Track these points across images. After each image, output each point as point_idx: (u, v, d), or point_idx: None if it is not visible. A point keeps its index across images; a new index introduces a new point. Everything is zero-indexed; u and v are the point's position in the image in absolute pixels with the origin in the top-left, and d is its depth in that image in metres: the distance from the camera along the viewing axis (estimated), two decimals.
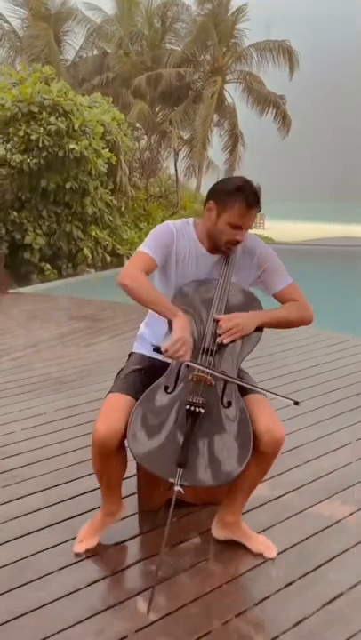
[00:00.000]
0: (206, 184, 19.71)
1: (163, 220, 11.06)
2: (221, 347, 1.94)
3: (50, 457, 2.86)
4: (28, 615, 1.82)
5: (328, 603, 1.88)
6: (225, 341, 1.92)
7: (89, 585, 1.98)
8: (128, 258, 11.58)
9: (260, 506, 2.42)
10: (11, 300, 7.35)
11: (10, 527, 2.28)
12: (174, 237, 2.05)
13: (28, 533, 2.24)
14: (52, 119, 8.85)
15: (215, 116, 18.76)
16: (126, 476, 2.15)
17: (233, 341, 1.93)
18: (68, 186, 9.32)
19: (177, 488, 1.81)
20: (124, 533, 2.24)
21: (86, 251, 10.23)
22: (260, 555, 2.09)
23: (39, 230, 9.67)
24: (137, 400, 1.93)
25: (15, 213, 9.43)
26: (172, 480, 1.81)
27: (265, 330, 2.05)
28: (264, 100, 18.19)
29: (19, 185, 9.27)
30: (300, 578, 2.00)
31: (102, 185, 10.45)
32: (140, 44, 19.48)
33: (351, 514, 2.38)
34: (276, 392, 1.93)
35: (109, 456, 1.97)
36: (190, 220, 2.13)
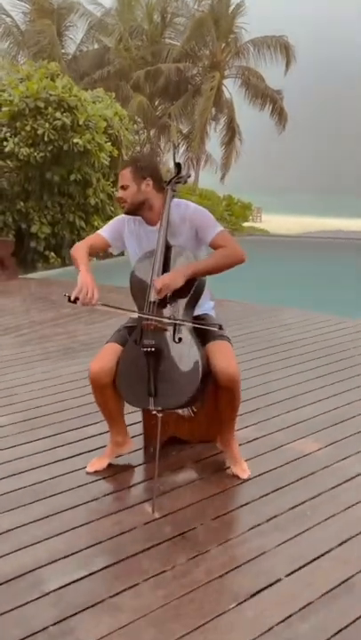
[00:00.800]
0: (204, 177, 20.15)
1: None
2: (164, 300, 2.41)
3: (68, 408, 3.38)
4: (69, 511, 2.35)
5: (295, 506, 2.39)
6: (153, 299, 2.38)
7: (105, 495, 2.49)
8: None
9: (246, 443, 2.93)
10: (21, 285, 7.83)
11: (35, 459, 2.80)
12: (125, 222, 2.60)
13: (56, 461, 2.76)
14: (58, 114, 9.29)
15: (213, 111, 19.16)
16: (134, 421, 2.66)
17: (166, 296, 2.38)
18: (71, 178, 9.77)
19: (154, 413, 2.37)
20: (132, 461, 2.75)
21: None
22: (236, 476, 2.61)
23: (44, 220, 10.13)
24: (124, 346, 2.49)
25: (22, 203, 9.89)
26: (149, 407, 2.38)
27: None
28: (262, 95, 18.61)
29: (25, 177, 9.72)
30: (273, 491, 2.51)
31: (104, 177, 10.89)
32: (140, 39, 19.83)
33: (319, 449, 2.89)
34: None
35: (103, 389, 2.51)
36: None
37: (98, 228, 11.39)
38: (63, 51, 19.15)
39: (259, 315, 5.61)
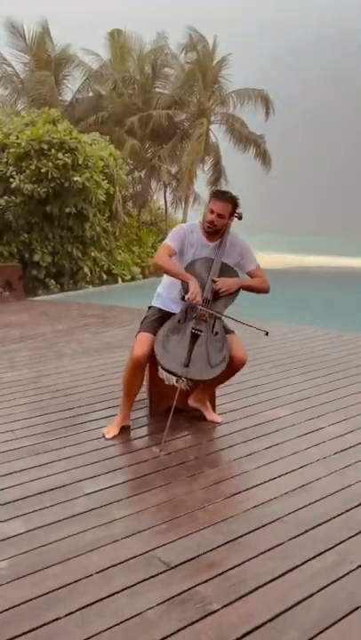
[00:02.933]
0: (192, 215, 21.30)
1: (153, 245, 12.80)
2: (214, 298, 3.24)
3: (84, 391, 4.12)
4: (93, 452, 3.07)
5: (268, 447, 3.14)
6: (218, 289, 3.21)
7: (122, 442, 3.22)
8: (122, 277, 12.92)
9: (230, 412, 3.68)
10: (28, 305, 8.59)
11: (59, 423, 3.53)
12: (186, 233, 3.38)
13: (84, 422, 3.50)
14: (60, 155, 10.26)
15: (201, 154, 20.41)
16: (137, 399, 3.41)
17: (223, 295, 3.24)
18: (70, 211, 10.67)
19: (183, 380, 3.11)
20: (140, 423, 3.49)
21: (86, 269, 11.54)
22: (212, 421, 3.44)
23: (45, 250, 10.97)
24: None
25: (25, 235, 10.74)
26: (179, 373, 3.10)
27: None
28: (245, 140, 19.93)
29: (29, 211, 10.60)
30: (250, 440, 3.25)
31: (100, 212, 11.83)
32: (132, 88, 21.18)
33: (288, 414, 3.65)
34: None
35: (138, 370, 3.27)
36: (197, 221, 3.45)
37: (95, 259, 12.32)
38: (60, 98, 20.42)
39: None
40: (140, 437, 3.34)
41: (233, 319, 3.28)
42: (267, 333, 3.38)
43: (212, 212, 3.26)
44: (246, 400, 3.90)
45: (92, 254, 11.74)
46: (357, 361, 4.93)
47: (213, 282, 3.26)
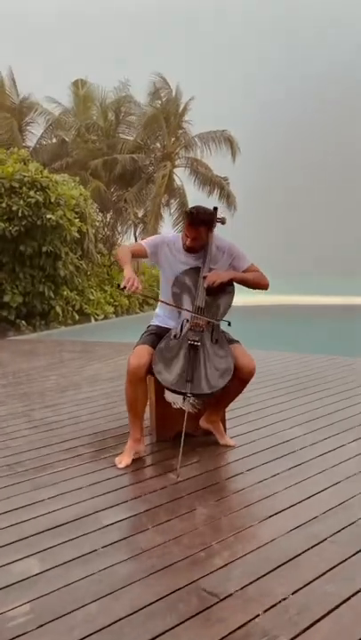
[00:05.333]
0: None
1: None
2: (207, 306, 3.06)
3: (80, 422, 3.84)
4: (103, 482, 2.79)
5: (290, 468, 2.93)
6: (209, 281, 3.02)
7: (133, 471, 2.95)
8: (94, 316, 12.66)
9: (243, 434, 3.46)
10: (4, 344, 8.22)
11: (65, 454, 3.24)
12: (164, 242, 3.24)
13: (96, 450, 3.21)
14: (32, 193, 10.13)
15: (166, 196, 20.67)
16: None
17: (217, 291, 3.05)
18: (43, 249, 10.46)
19: (189, 395, 2.87)
20: (147, 451, 3.23)
21: (58, 309, 11.26)
22: (226, 445, 3.22)
23: (16, 290, 10.67)
24: (154, 349, 3.02)
25: None
26: (184, 390, 2.87)
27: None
28: (210, 182, 20.34)
29: (0, 249, 10.35)
30: (272, 460, 3.04)
31: (72, 251, 11.67)
32: (95, 134, 21.48)
33: (305, 433, 3.45)
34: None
35: (138, 383, 3.01)
36: (180, 234, 3.29)
37: (67, 298, 12.08)
38: (24, 144, 20.51)
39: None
40: (151, 465, 3.08)
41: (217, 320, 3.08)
42: (229, 323, 3.11)
43: (187, 236, 3.13)
44: (257, 422, 3.69)
45: (65, 293, 11.49)
46: (356, 382, 4.81)
47: (204, 278, 3.08)
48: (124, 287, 2.89)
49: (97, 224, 14.20)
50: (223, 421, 3.42)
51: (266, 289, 3.24)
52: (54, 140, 21.69)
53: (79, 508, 2.50)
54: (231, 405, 3.37)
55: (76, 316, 12.00)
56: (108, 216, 20.49)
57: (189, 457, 3.09)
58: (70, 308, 11.85)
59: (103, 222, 18.69)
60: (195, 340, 2.96)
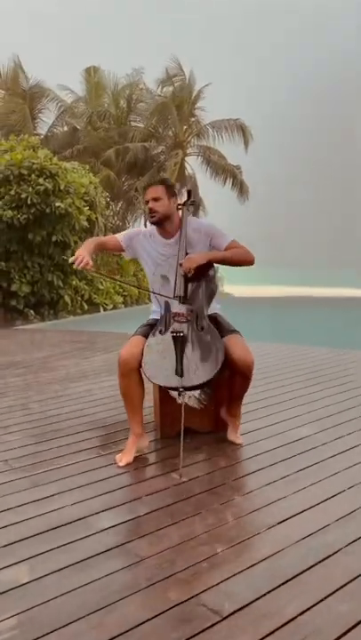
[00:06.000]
0: None
1: (135, 273, 12.49)
2: (189, 294, 2.89)
3: (84, 415, 3.68)
4: (102, 481, 2.63)
5: (302, 469, 2.75)
6: (185, 269, 2.85)
7: (137, 468, 2.79)
8: (103, 306, 12.52)
9: (253, 431, 3.29)
10: (10, 334, 8.10)
11: (62, 450, 3.09)
12: (139, 233, 3.13)
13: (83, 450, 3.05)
14: (41, 180, 9.97)
15: (178, 185, 20.45)
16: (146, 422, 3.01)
17: (198, 276, 2.88)
18: (53, 239, 10.31)
19: (181, 390, 2.71)
20: (151, 448, 3.07)
21: (67, 298, 11.12)
22: (232, 442, 3.06)
23: (24, 279, 10.54)
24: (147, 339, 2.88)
25: (3, 263, 10.31)
26: (176, 385, 2.71)
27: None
28: (222, 171, 20.05)
29: (8, 238, 10.21)
30: (281, 460, 2.86)
31: (81, 240, 11.50)
32: (107, 122, 21.25)
33: (315, 432, 3.27)
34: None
35: (130, 372, 2.86)
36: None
37: (76, 288, 11.86)
38: (35, 132, 20.34)
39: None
40: (154, 463, 2.92)
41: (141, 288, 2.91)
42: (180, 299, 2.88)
43: (146, 202, 2.99)
44: (265, 420, 3.52)
45: (73, 283, 11.35)
46: None
47: (180, 266, 2.90)
48: (72, 263, 2.80)
49: (107, 212, 13.98)
50: (238, 416, 3.25)
51: (251, 264, 3.02)
52: (65, 128, 21.50)
53: (75, 510, 2.35)
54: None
55: (85, 306, 11.86)
56: (119, 205, 20.32)
57: (194, 455, 2.93)
58: (79, 298, 11.71)
59: (113, 211, 18.49)
60: (178, 332, 2.80)
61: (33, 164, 10.10)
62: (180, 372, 2.73)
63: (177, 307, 2.88)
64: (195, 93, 20.12)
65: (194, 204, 3.16)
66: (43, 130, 20.99)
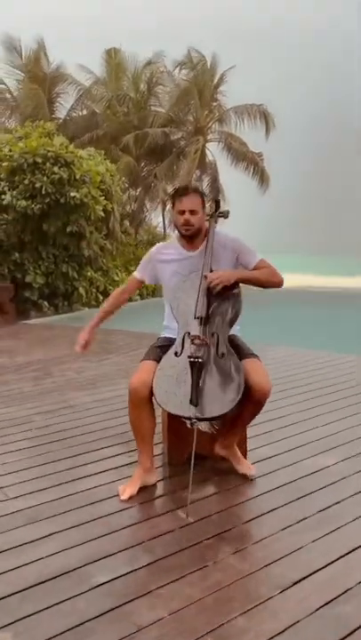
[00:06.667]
0: None
1: None
2: (209, 312, 2.64)
3: (87, 432, 3.48)
4: (99, 520, 2.43)
5: (322, 510, 2.51)
6: (212, 286, 2.60)
7: (140, 504, 2.58)
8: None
9: (264, 459, 3.05)
10: (21, 329, 7.94)
11: (62, 476, 2.88)
12: (152, 255, 2.91)
13: (80, 478, 2.84)
14: (55, 169, 9.72)
15: (197, 172, 20.04)
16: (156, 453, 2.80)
17: (220, 294, 2.63)
18: (68, 229, 10.09)
19: (194, 420, 2.46)
20: (158, 476, 2.84)
21: (81, 290, 10.92)
22: (245, 475, 2.79)
23: (38, 270, 10.35)
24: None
25: (17, 254, 10.13)
26: (188, 415, 2.47)
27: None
28: (243, 158, 19.57)
29: (22, 228, 10.02)
30: (298, 498, 2.62)
31: (97, 230, 11.26)
32: (126, 106, 20.86)
33: (336, 463, 3.02)
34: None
35: (141, 404, 2.62)
36: (172, 238, 2.94)
37: (91, 279, 11.59)
38: (54, 115, 20.04)
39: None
40: (160, 497, 2.70)
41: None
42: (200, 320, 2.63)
43: (182, 212, 2.70)
44: (280, 445, 3.26)
45: (89, 274, 11.13)
46: None
47: (204, 278, 2.65)
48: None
49: (123, 199, 13.68)
50: (243, 442, 3.01)
51: (280, 286, 2.79)
52: (85, 112, 21.16)
53: (70, 556, 2.14)
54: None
55: (100, 298, 11.64)
56: (138, 191, 20.01)
57: (203, 488, 2.70)
58: (94, 290, 11.50)
59: (130, 198, 18.16)
60: (196, 357, 2.54)
61: (48, 151, 9.84)
62: (194, 400, 2.48)
63: (196, 328, 2.62)
64: (217, 77, 19.60)
65: (222, 215, 2.88)
66: (61, 114, 20.68)
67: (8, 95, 19.63)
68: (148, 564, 2.10)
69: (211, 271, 2.69)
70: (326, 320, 10.33)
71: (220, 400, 2.51)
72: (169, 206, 20.03)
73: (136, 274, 2.97)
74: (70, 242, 10.48)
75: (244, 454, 3.02)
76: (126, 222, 13.79)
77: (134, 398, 2.62)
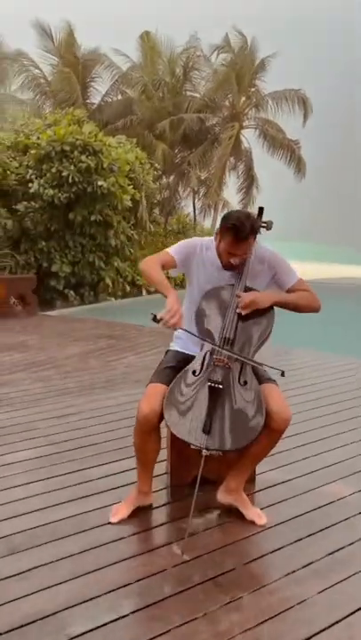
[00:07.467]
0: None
1: None
2: (238, 336, 2.39)
3: (88, 445, 3.30)
4: (93, 551, 2.24)
5: (333, 552, 2.26)
6: (243, 312, 2.37)
7: (131, 535, 2.38)
8: (147, 288, 12.12)
9: (273, 486, 2.82)
10: (40, 322, 7.85)
11: (56, 496, 2.70)
12: (197, 249, 2.57)
13: (78, 498, 2.66)
14: (83, 158, 9.55)
15: (232, 159, 19.61)
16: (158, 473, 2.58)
17: (252, 316, 2.38)
18: (93, 219, 9.94)
19: (204, 452, 2.24)
20: (156, 502, 2.64)
21: (108, 280, 10.79)
22: (252, 522, 2.46)
23: (65, 259, 10.26)
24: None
25: (44, 243, 10.05)
26: (199, 444, 2.24)
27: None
28: (280, 145, 19.03)
29: (49, 217, 9.91)
30: (307, 536, 2.38)
31: (125, 219, 11.09)
32: (162, 91, 20.52)
33: (352, 493, 2.76)
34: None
35: (149, 431, 2.40)
36: (214, 237, 2.61)
37: (117, 269, 11.39)
38: (88, 100, 19.87)
39: (277, 355, 5.54)
40: (156, 527, 2.49)
41: (252, 362, 2.37)
42: (282, 374, 2.35)
43: (229, 253, 2.42)
44: (292, 468, 3.02)
45: (115, 264, 10.98)
46: None
47: (237, 297, 2.41)
48: (160, 319, 2.25)
49: (154, 188, 13.42)
50: (252, 475, 2.77)
51: (317, 311, 2.53)
52: (119, 97, 20.90)
53: (44, 600, 1.96)
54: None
55: (127, 288, 11.51)
56: (170, 178, 19.72)
57: (204, 518, 2.50)
58: (121, 280, 11.36)
59: (160, 186, 17.85)
60: (217, 382, 2.31)
61: (76, 139, 9.67)
62: (207, 429, 2.26)
63: (221, 349, 2.37)
64: (257, 62, 19.01)
65: (265, 226, 2.60)
66: (95, 99, 20.48)
67: (42, 81, 19.54)
68: (131, 613, 1.91)
69: (246, 290, 2.44)
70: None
71: (235, 433, 2.28)
72: (199, 196, 19.69)
73: (172, 252, 2.54)
74: (97, 231, 10.36)
75: (252, 479, 2.79)
76: (156, 211, 13.52)
77: (144, 427, 2.40)
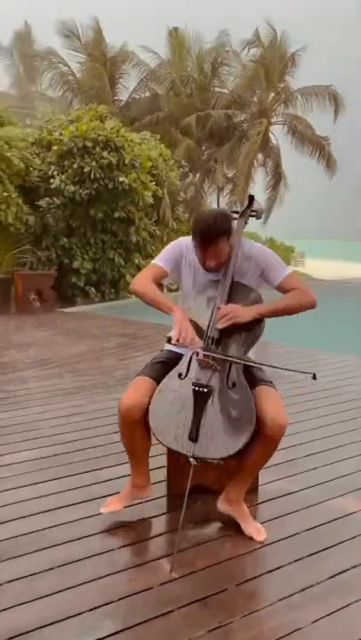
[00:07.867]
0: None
1: None
2: (224, 335, 2.24)
3: (90, 447, 3.18)
4: (76, 564, 2.12)
5: (335, 575, 2.09)
6: (219, 326, 2.21)
7: (120, 547, 2.26)
8: (167, 286, 11.98)
9: (277, 498, 2.65)
10: (56, 318, 7.81)
11: (45, 502, 2.59)
12: (183, 251, 2.44)
13: (69, 505, 2.55)
14: (105, 154, 9.47)
15: (260, 156, 19.35)
16: (157, 466, 2.43)
17: (231, 327, 2.21)
18: (115, 215, 9.85)
19: (191, 460, 2.10)
20: (152, 511, 2.51)
21: (128, 277, 10.69)
22: (250, 537, 2.30)
23: (86, 256, 10.20)
24: (157, 382, 2.27)
25: (65, 239, 10.01)
26: (185, 452, 2.11)
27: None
28: (309, 142, 18.68)
29: (70, 213, 9.87)
30: (308, 555, 2.21)
31: (147, 216, 10.97)
32: (190, 87, 20.38)
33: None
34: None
35: (133, 426, 2.28)
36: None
37: (138, 266, 11.28)
38: (116, 97, 19.86)
39: (296, 358, 5.34)
40: (145, 540, 2.35)
41: (248, 362, 2.23)
42: (314, 376, 2.17)
43: (203, 257, 2.28)
44: (299, 479, 2.84)
45: (136, 261, 10.87)
46: None
47: (217, 309, 2.25)
48: (177, 340, 2.16)
49: (179, 185, 13.26)
50: (255, 485, 2.62)
51: (312, 308, 2.34)
52: (147, 94, 20.84)
53: (19, 616, 1.84)
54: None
55: None
56: (196, 176, 19.57)
57: (199, 531, 2.36)
58: None
59: (186, 184, 17.70)
60: (201, 386, 2.16)
61: (98, 135, 9.59)
62: (193, 436, 2.12)
63: (205, 349, 2.23)
64: (287, 57, 18.68)
65: (255, 214, 2.47)
66: (123, 96, 20.46)
67: (71, 77, 19.61)
68: (107, 636, 1.78)
69: (229, 295, 2.29)
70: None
71: (223, 440, 2.13)
72: (224, 194, 19.45)
73: (160, 263, 2.44)
74: (119, 228, 10.26)
75: (255, 489, 2.64)
76: (180, 209, 13.36)
77: (125, 420, 2.28)
